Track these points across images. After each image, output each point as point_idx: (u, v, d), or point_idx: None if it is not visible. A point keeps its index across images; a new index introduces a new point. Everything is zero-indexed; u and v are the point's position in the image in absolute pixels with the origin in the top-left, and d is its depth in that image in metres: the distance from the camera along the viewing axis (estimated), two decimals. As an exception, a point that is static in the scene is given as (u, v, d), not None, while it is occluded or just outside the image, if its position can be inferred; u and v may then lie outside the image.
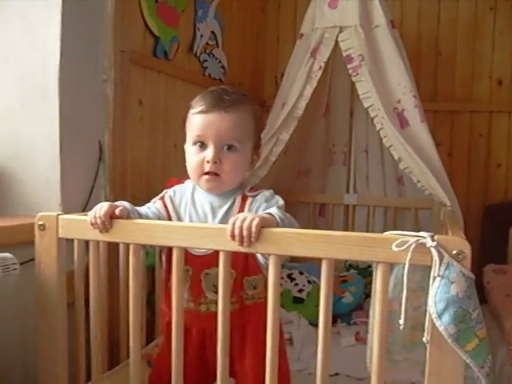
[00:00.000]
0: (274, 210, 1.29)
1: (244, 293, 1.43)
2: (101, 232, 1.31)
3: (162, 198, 1.51)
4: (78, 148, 1.82)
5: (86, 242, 1.45)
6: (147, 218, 1.43)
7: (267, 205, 1.40)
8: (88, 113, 1.86)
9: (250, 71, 3.36)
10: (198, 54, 2.55)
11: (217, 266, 1.27)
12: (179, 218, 1.46)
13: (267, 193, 1.46)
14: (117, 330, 1.74)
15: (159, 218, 1.45)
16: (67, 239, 1.43)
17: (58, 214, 1.39)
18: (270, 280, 1.17)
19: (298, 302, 2.59)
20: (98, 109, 1.90)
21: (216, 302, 1.33)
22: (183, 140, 2.30)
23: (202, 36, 2.56)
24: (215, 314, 1.29)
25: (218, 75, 2.77)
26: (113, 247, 1.72)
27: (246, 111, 1.42)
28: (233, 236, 1.18)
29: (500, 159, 3.29)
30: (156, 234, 1.26)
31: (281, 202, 1.43)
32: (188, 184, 1.52)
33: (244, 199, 1.44)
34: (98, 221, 1.29)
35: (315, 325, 2.29)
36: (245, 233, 1.16)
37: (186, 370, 1.35)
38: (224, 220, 1.40)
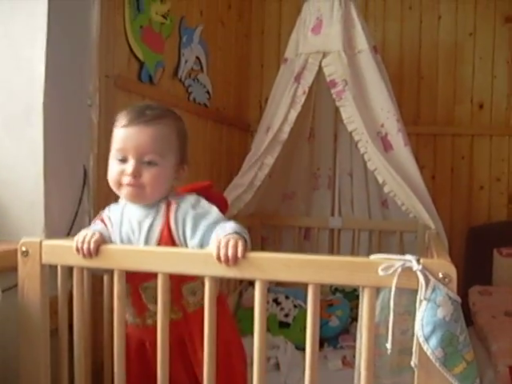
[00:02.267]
0: (236, 228, 1.29)
1: (184, 300, 1.43)
2: (84, 258, 1.29)
3: (101, 218, 1.53)
4: (62, 173, 1.80)
5: (70, 268, 1.43)
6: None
7: (196, 212, 1.40)
8: (73, 137, 1.84)
9: (235, 96, 3.37)
10: (182, 79, 2.56)
11: (154, 278, 1.29)
12: (120, 236, 1.46)
13: (191, 198, 1.46)
14: (101, 355, 1.71)
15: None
16: (51, 265, 1.42)
17: (42, 240, 1.37)
18: (256, 305, 1.16)
19: (284, 326, 2.57)
20: (83, 133, 1.89)
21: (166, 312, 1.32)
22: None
23: (186, 61, 2.57)
24: None
25: (203, 100, 2.78)
26: (97, 274, 1.70)
27: (167, 125, 1.43)
28: (219, 257, 1.18)
29: (482, 181, 3.33)
30: (141, 260, 1.26)
31: (209, 205, 1.43)
32: (120, 201, 1.53)
33: (168, 205, 1.44)
34: (85, 246, 1.29)
35: (302, 349, 2.27)
36: (230, 251, 1.17)
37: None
38: (150, 233, 1.42)
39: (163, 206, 1.45)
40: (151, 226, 1.43)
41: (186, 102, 2.60)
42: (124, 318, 1.34)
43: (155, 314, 1.38)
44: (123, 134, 1.41)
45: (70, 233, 1.80)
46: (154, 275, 1.28)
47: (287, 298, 2.69)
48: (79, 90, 1.87)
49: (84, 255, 1.29)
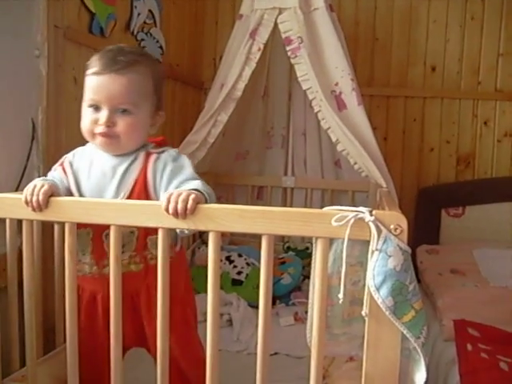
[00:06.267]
0: (199, 186, 1.27)
1: (148, 252, 1.41)
2: (34, 211, 1.26)
3: (62, 164, 1.49)
4: (9, 126, 1.75)
5: (19, 223, 1.40)
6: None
7: (174, 166, 1.39)
8: (20, 89, 1.78)
9: (189, 53, 3.31)
10: (135, 33, 2.49)
11: None
12: (77, 182, 1.44)
13: (173, 152, 1.44)
14: (52, 313, 1.69)
15: (64, 186, 1.43)
16: (-1, 219, 1.38)
17: (-11, 193, 1.33)
18: (210, 256, 1.16)
19: (236, 284, 2.59)
20: (31, 85, 1.82)
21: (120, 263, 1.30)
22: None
23: (139, 14, 2.49)
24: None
25: (156, 55, 2.71)
26: (47, 228, 1.67)
27: (140, 73, 1.39)
28: (167, 209, 1.16)
29: (433, 143, 3.39)
30: (92, 212, 1.23)
31: (188, 163, 1.42)
32: (89, 145, 1.49)
33: (148, 155, 1.42)
34: (34, 198, 1.24)
35: (254, 306, 2.30)
36: (180, 205, 1.15)
37: (99, 338, 1.36)
38: (123, 179, 1.39)
39: (142, 155, 1.42)
40: (126, 172, 1.40)
41: (138, 57, 2.54)
42: (75, 273, 1.31)
43: None
44: (95, 82, 1.37)
45: (18, 188, 1.75)
46: None
47: (240, 256, 2.71)
48: (27, 40, 1.81)
49: (33, 208, 1.25)
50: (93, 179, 1.42)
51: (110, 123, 1.35)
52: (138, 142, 1.43)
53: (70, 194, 1.42)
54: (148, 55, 1.48)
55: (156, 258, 1.39)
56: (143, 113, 1.41)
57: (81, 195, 1.42)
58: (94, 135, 1.39)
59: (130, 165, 1.41)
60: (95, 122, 1.37)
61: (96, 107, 1.37)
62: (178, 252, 1.49)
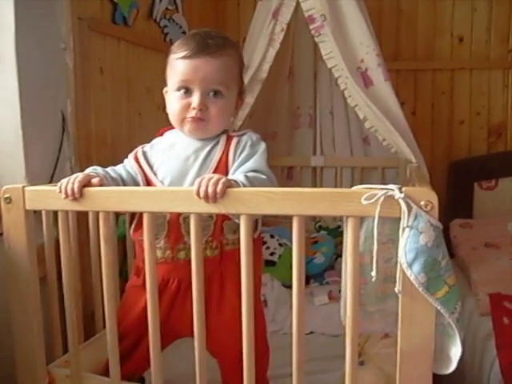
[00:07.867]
0: (241, 178, 1.26)
1: (224, 237, 1.42)
2: (67, 198, 1.27)
3: (136, 153, 1.52)
4: (40, 119, 1.78)
5: (55, 215, 1.43)
6: (122, 180, 1.44)
7: (250, 151, 1.39)
8: (48, 83, 1.81)
9: (212, 37, 3.30)
10: (157, 20, 2.50)
11: None
12: (153, 169, 1.46)
13: (254, 136, 1.45)
14: (91, 300, 1.73)
15: (133, 177, 1.46)
16: (35, 211, 1.41)
17: (24, 186, 1.36)
18: (242, 240, 1.17)
19: (270, 264, 2.59)
20: (59, 78, 1.85)
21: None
22: (147, 108, 2.28)
23: (161, 1, 2.50)
24: None
25: (180, 41, 2.72)
26: (82, 218, 1.70)
27: (230, 56, 1.41)
28: (198, 193, 1.17)
29: (463, 116, 3.33)
30: (125, 200, 1.25)
31: (262, 152, 1.42)
32: (168, 134, 1.52)
33: (229, 139, 1.44)
34: (69, 186, 1.26)
35: (288, 286, 2.32)
36: (210, 189, 1.15)
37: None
38: (205, 162, 1.41)
39: (223, 138, 1.45)
40: (208, 155, 1.42)
41: (162, 44, 2.55)
42: (112, 259, 1.34)
43: (190, 248, 1.35)
44: (187, 65, 1.38)
45: (51, 180, 1.79)
46: None
47: (272, 237, 2.71)
48: (52, 33, 1.83)
49: (67, 196, 1.27)
50: (174, 162, 1.44)
51: (203, 106, 1.38)
52: (224, 125, 1.46)
53: (135, 180, 1.46)
54: (231, 39, 1.49)
55: (231, 243, 1.42)
56: (232, 96, 1.44)
57: (160, 180, 1.44)
58: (183, 120, 1.41)
59: (212, 148, 1.43)
60: (187, 106, 1.39)
61: (186, 90, 1.39)
62: (255, 239, 1.45)
